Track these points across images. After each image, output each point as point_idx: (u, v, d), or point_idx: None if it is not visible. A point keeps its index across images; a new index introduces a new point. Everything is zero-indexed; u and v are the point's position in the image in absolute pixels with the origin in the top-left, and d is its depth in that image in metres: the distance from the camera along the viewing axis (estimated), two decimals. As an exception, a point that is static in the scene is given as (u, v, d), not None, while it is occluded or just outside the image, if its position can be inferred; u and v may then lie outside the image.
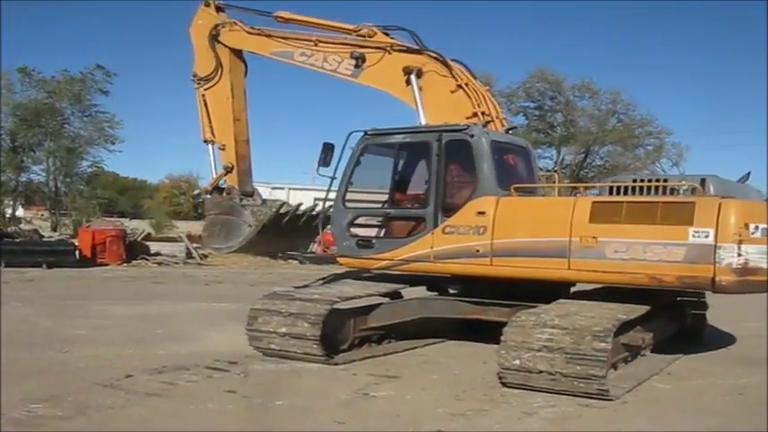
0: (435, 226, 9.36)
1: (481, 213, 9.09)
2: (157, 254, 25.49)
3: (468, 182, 9.57)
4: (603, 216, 8.53)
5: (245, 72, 13.46)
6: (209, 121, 13.21)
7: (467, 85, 10.70)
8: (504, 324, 9.33)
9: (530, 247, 8.76)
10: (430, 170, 9.60)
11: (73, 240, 25.49)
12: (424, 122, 10.52)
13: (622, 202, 8.68)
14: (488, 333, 9.96)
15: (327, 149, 10.13)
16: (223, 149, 13.13)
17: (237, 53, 13.23)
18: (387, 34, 11.55)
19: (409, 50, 11.14)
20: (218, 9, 13.33)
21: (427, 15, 64.68)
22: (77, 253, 23.08)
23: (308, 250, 31.18)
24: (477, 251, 9.02)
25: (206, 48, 13.06)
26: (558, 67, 49.79)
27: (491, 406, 6.96)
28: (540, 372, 7.30)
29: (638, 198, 8.82)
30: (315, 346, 8.46)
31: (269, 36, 12.65)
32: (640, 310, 8.37)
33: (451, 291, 10.29)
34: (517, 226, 8.94)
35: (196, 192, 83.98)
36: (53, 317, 12.00)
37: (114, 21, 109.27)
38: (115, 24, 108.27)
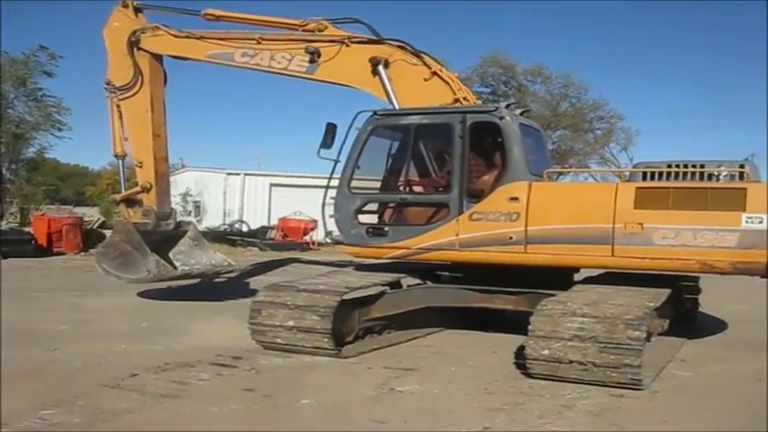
0: (460, 212, 9.02)
1: (514, 199, 8.79)
2: (115, 242, 24.58)
3: (495, 166, 9.25)
4: (649, 202, 8.37)
5: (165, 81, 12.89)
6: (123, 134, 12.69)
7: (441, 71, 10.42)
8: (511, 312, 9.23)
9: (568, 234, 8.53)
10: (453, 153, 9.21)
11: (25, 229, 24.51)
12: None
13: (669, 187, 8.51)
14: (485, 321, 9.99)
15: (330, 130, 9.67)
16: (140, 167, 12.62)
17: (158, 59, 12.62)
18: (337, 28, 11.18)
19: (370, 41, 10.78)
20: (137, 10, 12.66)
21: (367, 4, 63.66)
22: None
23: (267, 237, 30.73)
24: (510, 238, 8.72)
25: (123, 54, 12.38)
26: (511, 52, 49.33)
27: (524, 399, 6.68)
28: (571, 362, 7.03)
29: (685, 184, 8.69)
30: (326, 339, 8.06)
31: (201, 38, 12.05)
32: (662, 294, 8.21)
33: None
34: (553, 212, 8.71)
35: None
36: (26, 311, 11.31)
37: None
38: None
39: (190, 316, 11.14)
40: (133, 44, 12.37)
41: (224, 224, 34.92)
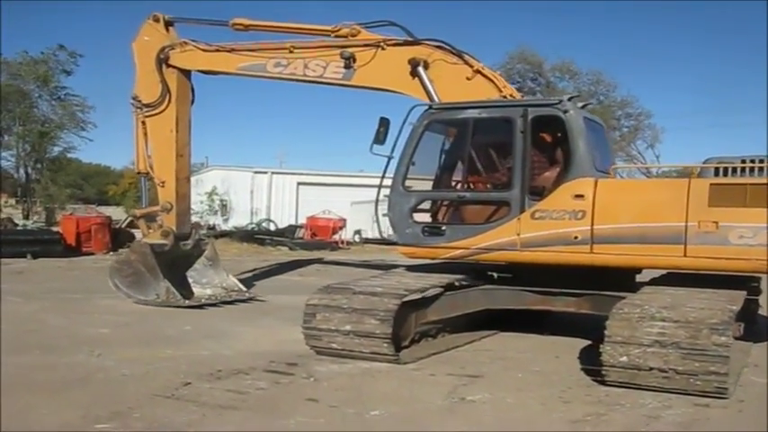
0: (522, 211, 8.57)
1: (579, 197, 8.32)
2: (143, 242, 24.32)
3: (558, 162, 8.81)
4: (725, 199, 7.87)
5: (193, 99, 12.66)
6: (147, 151, 12.51)
7: (483, 69, 10.08)
8: (570, 315, 8.82)
9: (637, 233, 8.07)
10: (513, 149, 8.76)
11: (51, 228, 24.33)
12: None
13: (745, 184, 8.03)
14: (530, 322, 9.63)
15: (383, 125, 9.25)
16: (162, 186, 12.45)
17: (186, 75, 12.36)
18: (370, 32, 10.86)
19: (406, 43, 10.43)
20: (168, 24, 12.37)
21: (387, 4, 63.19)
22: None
23: (296, 236, 30.43)
24: (576, 238, 8.27)
25: (151, 70, 12.16)
26: (538, 48, 48.82)
27: (605, 409, 6.24)
28: (651, 369, 6.59)
29: (763, 180, 8.16)
30: (385, 344, 7.64)
31: (231, 51, 11.74)
32: (740, 296, 7.76)
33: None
34: (621, 210, 8.25)
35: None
36: (63, 314, 11.00)
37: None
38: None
39: (233, 318, 10.82)
40: (162, 61, 12.16)
41: (251, 223, 34.66)
